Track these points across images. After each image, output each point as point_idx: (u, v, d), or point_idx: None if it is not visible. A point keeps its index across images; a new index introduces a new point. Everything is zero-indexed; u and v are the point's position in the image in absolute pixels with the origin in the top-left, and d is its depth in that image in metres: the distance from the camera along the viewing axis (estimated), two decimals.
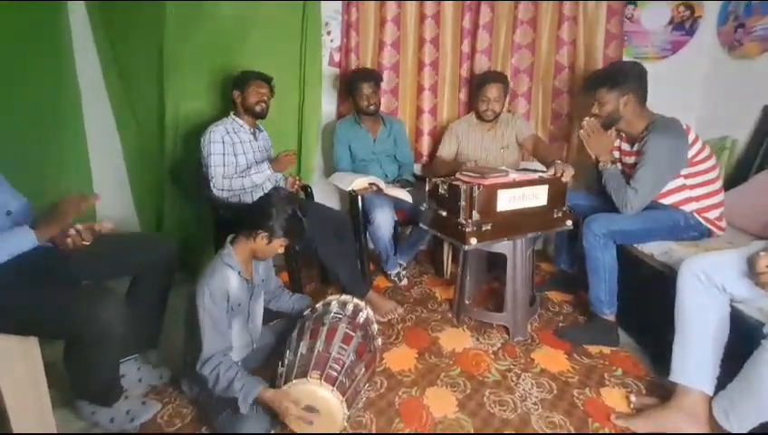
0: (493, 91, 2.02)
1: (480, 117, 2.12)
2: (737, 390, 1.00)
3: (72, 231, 1.01)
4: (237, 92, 1.77)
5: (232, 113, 1.81)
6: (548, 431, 1.17)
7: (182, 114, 2.09)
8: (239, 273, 1.21)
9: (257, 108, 1.79)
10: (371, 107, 2.07)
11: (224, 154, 1.67)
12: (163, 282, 1.42)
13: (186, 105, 2.09)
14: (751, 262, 1.02)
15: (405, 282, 2.14)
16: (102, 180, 2.24)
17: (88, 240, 1.04)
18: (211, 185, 1.66)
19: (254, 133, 1.83)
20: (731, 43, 2.22)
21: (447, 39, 2.36)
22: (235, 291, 1.21)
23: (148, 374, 1.36)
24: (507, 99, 2.17)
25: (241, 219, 1.26)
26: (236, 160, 1.72)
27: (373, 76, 2.09)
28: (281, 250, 1.25)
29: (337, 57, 2.40)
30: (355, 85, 2.07)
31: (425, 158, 2.46)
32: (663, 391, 1.25)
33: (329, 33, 2.37)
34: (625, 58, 2.35)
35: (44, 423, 1.09)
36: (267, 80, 1.81)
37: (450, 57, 2.38)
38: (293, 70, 2.27)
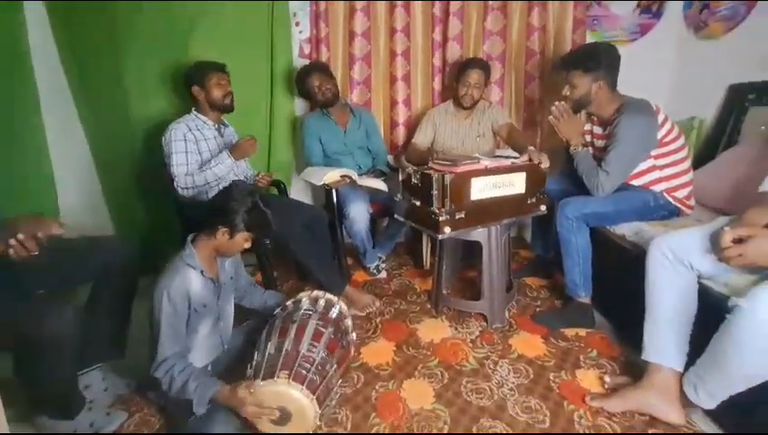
0: (474, 76, 2.00)
1: (458, 104, 2.10)
2: (705, 365, 1.00)
3: (11, 241, 0.93)
4: (197, 88, 1.69)
5: (194, 110, 1.73)
6: (524, 417, 1.16)
7: (145, 115, 2.01)
8: (202, 272, 1.17)
9: (225, 101, 1.72)
10: (327, 94, 2.03)
11: (186, 152, 1.60)
12: (125, 287, 1.36)
13: (149, 105, 2.01)
14: (715, 238, 1.03)
15: (384, 274, 2.11)
16: (66, 184, 2.14)
17: (34, 250, 0.97)
18: (175, 184, 1.60)
19: (218, 129, 1.76)
20: (697, 24, 2.25)
21: (418, 27, 2.32)
22: (199, 291, 1.16)
23: (114, 384, 1.30)
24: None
25: (203, 217, 1.21)
26: (201, 158, 1.65)
27: (317, 67, 2.07)
28: (246, 245, 1.20)
29: (307, 49, 2.35)
30: (303, 83, 2.05)
31: (400, 149, 2.43)
32: (637, 369, 1.25)
33: (297, 24, 2.31)
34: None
35: None
36: (223, 68, 1.74)
37: (422, 46, 2.35)
38: (262, 63, 2.21)
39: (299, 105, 2.40)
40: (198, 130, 1.68)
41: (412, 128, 2.41)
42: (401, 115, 2.41)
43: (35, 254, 0.96)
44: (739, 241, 0.95)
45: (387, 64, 2.37)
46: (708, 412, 1.08)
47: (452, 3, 2.25)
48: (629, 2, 2.36)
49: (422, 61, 2.37)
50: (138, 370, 1.36)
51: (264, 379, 1.01)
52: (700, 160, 1.91)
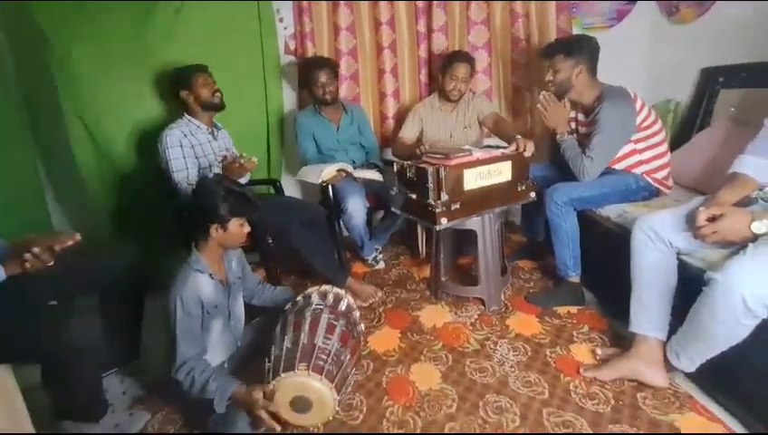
0: (461, 70, 2.04)
1: (444, 97, 2.14)
2: (685, 333, 1.11)
3: (27, 255, 0.97)
4: (185, 91, 1.68)
5: (185, 114, 1.73)
6: (525, 390, 1.26)
7: (132, 119, 1.98)
8: (210, 275, 1.21)
9: (215, 99, 1.73)
10: (327, 96, 2.04)
11: (184, 157, 1.61)
12: (134, 294, 1.40)
13: (134, 110, 1.97)
14: (691, 217, 1.13)
15: (382, 265, 2.18)
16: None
17: (49, 261, 1.00)
18: (178, 189, 1.61)
19: (211, 132, 1.77)
20: (669, 9, 2.33)
21: (403, 19, 2.34)
22: (210, 294, 1.21)
23: (131, 386, 1.34)
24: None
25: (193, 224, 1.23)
26: (198, 163, 1.67)
27: (329, 64, 2.05)
28: (246, 229, 1.22)
29: (292, 45, 2.35)
30: (310, 74, 2.02)
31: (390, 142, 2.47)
32: (624, 341, 1.37)
33: (281, 19, 2.31)
34: (575, 29, 2.43)
35: None
36: (206, 69, 1.74)
37: (407, 38, 2.37)
38: (249, 62, 2.21)
39: (286, 102, 2.41)
40: (193, 134, 1.69)
41: (402, 120, 2.44)
42: (390, 108, 2.44)
43: (50, 265, 1.00)
44: (712, 219, 1.05)
45: (374, 58, 2.40)
46: (688, 375, 1.20)
47: None
48: None
49: (408, 53, 2.39)
50: (152, 371, 1.41)
51: (284, 371, 1.07)
52: (677, 141, 2.01)
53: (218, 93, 1.74)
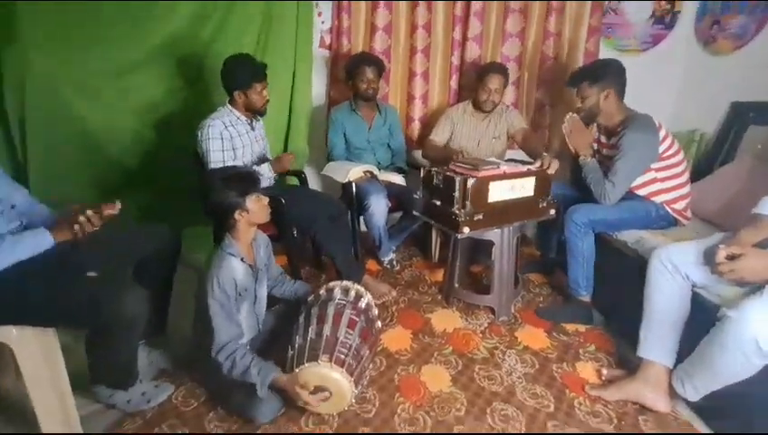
0: (494, 81, 2.07)
1: (478, 106, 2.17)
2: (693, 364, 1.15)
3: (81, 218, 1.04)
4: (239, 92, 1.72)
5: (228, 103, 1.77)
6: (531, 402, 1.32)
7: (155, 101, 2.06)
8: (242, 259, 1.27)
9: (262, 109, 1.79)
10: (370, 91, 2.08)
11: (223, 150, 1.66)
12: (166, 269, 1.46)
13: (160, 93, 2.06)
14: (710, 253, 1.17)
15: (396, 266, 2.23)
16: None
17: (97, 225, 1.08)
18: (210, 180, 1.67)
19: (250, 123, 1.82)
20: (706, 38, 2.34)
21: (439, 25, 2.37)
22: (241, 277, 1.27)
23: (157, 359, 1.41)
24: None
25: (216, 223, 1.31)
26: (235, 154, 1.72)
27: (378, 62, 2.10)
28: (264, 202, 1.28)
29: (328, 39, 2.38)
30: (358, 67, 2.06)
31: (414, 144, 2.51)
32: (629, 363, 1.41)
33: (320, 14, 2.34)
34: (608, 50, 2.45)
35: (68, 421, 1.14)
36: (266, 75, 1.76)
37: (442, 44, 2.40)
38: (284, 51, 2.24)
39: (315, 94, 2.44)
40: (233, 125, 1.73)
41: (427, 123, 2.49)
42: (417, 111, 2.48)
43: (96, 229, 1.07)
44: (732, 258, 1.09)
45: (407, 60, 2.43)
46: (689, 403, 1.24)
47: (473, 3, 2.30)
48: (644, 11, 2.43)
49: (441, 58, 2.43)
50: (174, 345, 1.48)
51: (308, 361, 1.13)
52: (699, 173, 2.04)
53: (267, 103, 1.79)
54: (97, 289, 1.10)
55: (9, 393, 1.31)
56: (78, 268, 1.18)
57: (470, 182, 1.53)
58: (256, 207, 1.26)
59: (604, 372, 1.43)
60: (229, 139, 1.70)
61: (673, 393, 1.24)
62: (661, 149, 1.62)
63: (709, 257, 1.18)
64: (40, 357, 1.09)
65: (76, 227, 1.06)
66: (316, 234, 1.76)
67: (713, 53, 2.30)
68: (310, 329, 1.23)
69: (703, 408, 1.25)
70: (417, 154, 2.42)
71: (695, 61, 2.41)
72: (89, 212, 1.07)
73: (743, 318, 0.98)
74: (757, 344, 0.95)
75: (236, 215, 1.24)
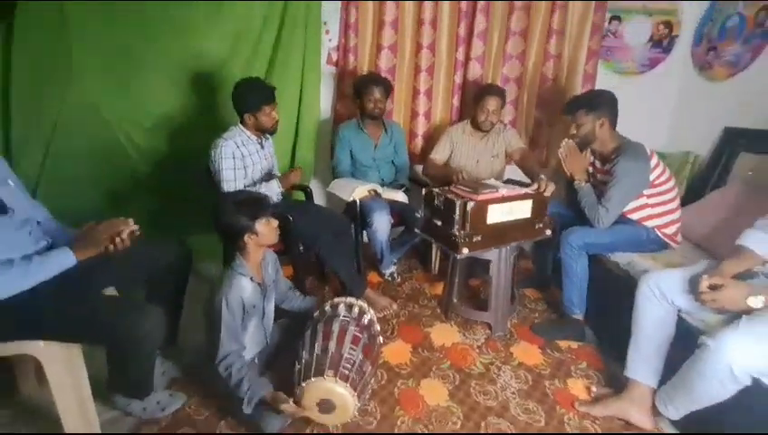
0: (492, 103, 2.14)
1: (476, 126, 2.25)
2: (674, 386, 1.23)
3: (117, 240, 1.13)
4: (249, 114, 1.79)
5: (240, 124, 1.84)
6: (523, 417, 1.39)
7: (157, 114, 2.15)
8: (251, 278, 1.35)
9: (272, 129, 1.87)
10: (377, 110, 2.15)
11: (234, 169, 1.74)
12: (178, 283, 1.54)
13: (162, 107, 2.15)
14: (694, 282, 1.24)
15: (397, 278, 2.31)
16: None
17: (128, 244, 1.17)
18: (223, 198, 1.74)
19: (260, 142, 1.90)
20: (702, 64, 2.41)
21: (443, 45, 2.45)
22: (249, 296, 1.35)
23: (169, 368, 1.49)
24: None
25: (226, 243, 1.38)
26: (246, 173, 1.80)
27: (385, 83, 2.18)
28: (274, 224, 1.35)
29: (335, 56, 2.46)
30: (366, 87, 2.13)
31: (417, 159, 2.59)
32: (617, 382, 1.49)
33: (327, 32, 2.42)
34: (607, 72, 2.53)
35: (90, 426, 1.23)
36: (274, 97, 1.82)
37: (445, 63, 2.48)
38: (292, 67, 2.32)
39: (321, 109, 2.52)
40: (244, 145, 1.81)
41: (429, 139, 2.57)
42: (421, 127, 2.56)
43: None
44: (714, 288, 1.17)
45: (411, 78, 2.51)
46: (673, 422, 1.32)
47: (477, 24, 2.37)
48: (642, 35, 2.51)
49: (444, 77, 2.51)
50: (185, 356, 1.55)
51: (314, 376, 1.21)
52: (692, 194, 2.11)
53: (276, 124, 1.86)
54: (115, 308, 1.17)
55: (31, 398, 1.40)
56: (96, 286, 1.25)
57: (470, 205, 1.60)
58: (266, 230, 1.33)
59: (593, 389, 1.50)
60: (241, 158, 1.78)
61: (657, 412, 1.32)
62: (652, 176, 1.70)
63: (694, 286, 1.26)
64: (64, 367, 1.17)
65: (111, 247, 1.14)
66: (320, 249, 1.84)
67: (708, 78, 2.37)
68: (316, 345, 1.31)
69: (686, 424, 1.32)
70: (419, 169, 2.49)
71: (690, 85, 2.48)
72: (124, 235, 1.16)
73: (719, 348, 1.05)
74: (732, 372, 1.03)
75: (246, 238, 1.31)
